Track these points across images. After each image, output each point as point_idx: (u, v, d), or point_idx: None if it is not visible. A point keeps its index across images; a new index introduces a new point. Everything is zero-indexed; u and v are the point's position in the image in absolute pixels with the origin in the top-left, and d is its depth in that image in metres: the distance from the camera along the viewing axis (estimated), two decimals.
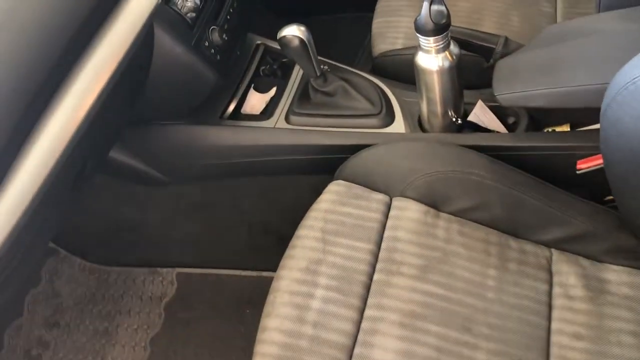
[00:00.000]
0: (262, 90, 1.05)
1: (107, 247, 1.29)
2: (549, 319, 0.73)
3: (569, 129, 0.89)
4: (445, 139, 0.90)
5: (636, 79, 0.62)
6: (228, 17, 0.97)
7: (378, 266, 0.77)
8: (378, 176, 0.86)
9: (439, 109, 0.89)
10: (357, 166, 0.89)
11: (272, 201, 1.08)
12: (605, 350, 0.69)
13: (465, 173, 0.82)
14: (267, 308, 0.76)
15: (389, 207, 0.83)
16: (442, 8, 0.78)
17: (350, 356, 0.70)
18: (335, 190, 0.86)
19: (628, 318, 0.72)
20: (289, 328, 0.72)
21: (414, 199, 0.82)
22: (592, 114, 0.84)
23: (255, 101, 1.04)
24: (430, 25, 0.78)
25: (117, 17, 0.70)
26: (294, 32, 0.89)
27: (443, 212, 0.82)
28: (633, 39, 0.76)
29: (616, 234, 0.78)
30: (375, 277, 0.76)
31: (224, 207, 1.11)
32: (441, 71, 0.83)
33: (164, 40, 0.84)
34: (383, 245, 0.79)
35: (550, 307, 0.75)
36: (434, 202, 0.82)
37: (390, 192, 0.84)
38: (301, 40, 0.89)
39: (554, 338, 0.72)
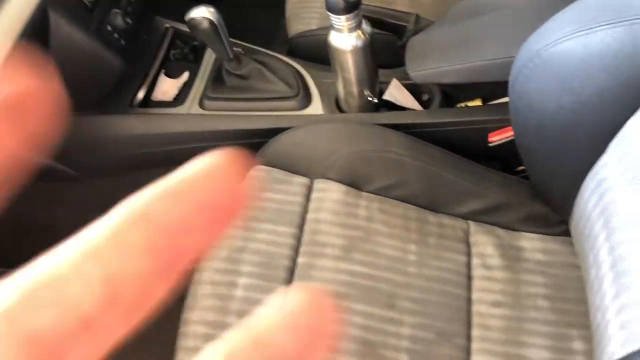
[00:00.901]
0: (173, 75, 1.01)
1: (15, 251, 1.20)
2: (469, 289, 0.75)
3: (480, 104, 0.91)
4: (363, 119, 0.90)
5: (540, 51, 0.64)
6: (131, 0, 0.92)
7: (302, 249, 0.76)
8: (298, 159, 0.85)
9: (355, 89, 0.88)
10: (276, 150, 0.87)
11: None
12: (523, 314, 0.72)
13: (384, 151, 0.83)
14: (189, 301, 0.73)
15: (310, 189, 0.82)
16: None
17: None
18: (255, 175, 0.84)
19: (542, 283, 0.75)
20: (213, 319, 0.70)
21: (334, 179, 0.82)
22: (502, 87, 0.86)
23: (167, 87, 1.00)
24: (341, 3, 0.77)
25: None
26: (202, 13, 0.85)
27: (364, 191, 0.82)
28: (539, 12, 0.79)
29: (529, 203, 0.81)
30: (300, 260, 0.75)
31: None
32: (355, 50, 0.82)
33: (61, 26, 0.78)
34: (306, 228, 0.78)
35: (469, 278, 0.76)
36: (354, 181, 0.82)
37: (311, 175, 0.83)
38: (210, 21, 0.85)
39: (475, 307, 0.73)
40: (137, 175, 1.02)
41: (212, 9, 0.86)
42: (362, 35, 0.82)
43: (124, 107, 0.93)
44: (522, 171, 0.87)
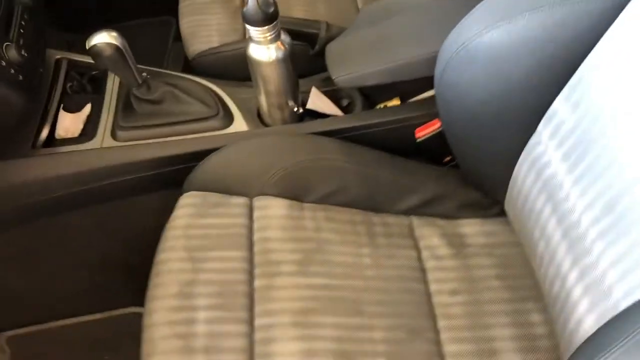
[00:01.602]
0: (74, 109, 0.93)
1: None
2: (426, 282, 0.77)
3: (399, 103, 0.94)
4: (291, 130, 0.89)
5: (465, 43, 0.67)
6: (21, 30, 0.83)
7: (256, 272, 0.73)
8: (232, 179, 0.81)
9: (278, 100, 0.87)
10: (206, 173, 0.83)
11: (112, 231, 0.96)
12: (480, 297, 0.75)
13: (320, 159, 0.82)
14: (146, 347, 0.67)
15: (251, 209, 0.79)
16: None
17: None
18: (189, 203, 0.80)
19: (490, 264, 0.78)
20: None
21: (274, 195, 0.80)
22: (418, 84, 0.89)
23: (69, 122, 0.91)
24: (260, 15, 0.75)
25: None
26: (105, 39, 0.79)
27: (307, 202, 0.80)
28: (446, 10, 0.83)
29: (462, 190, 0.85)
30: (256, 283, 0.72)
31: (54, 249, 0.96)
32: (276, 62, 0.81)
33: None
34: (255, 249, 0.75)
35: (423, 271, 0.78)
36: (295, 194, 0.80)
37: (249, 193, 0.80)
38: (116, 47, 0.80)
39: (435, 299, 0.75)
40: (47, 222, 0.92)
41: (114, 34, 0.80)
42: (282, 46, 0.81)
43: (26, 149, 0.84)
44: (450, 161, 0.91)
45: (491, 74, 0.67)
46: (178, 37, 1.18)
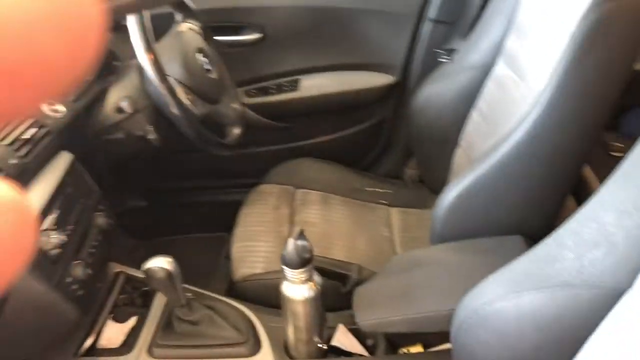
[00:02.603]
0: (121, 320, 1.01)
1: None
2: None
3: (422, 349, 0.97)
4: None
5: (477, 309, 0.72)
6: (92, 250, 0.96)
7: None
8: None
9: (305, 336, 0.92)
10: None
11: None
12: None
13: None
14: None
15: None
16: (305, 243, 0.86)
17: None
18: None
19: None
20: None
21: None
22: (440, 335, 0.93)
23: (113, 332, 0.99)
24: (296, 259, 0.84)
25: None
26: (160, 264, 0.90)
27: None
28: (468, 268, 0.90)
29: None
30: None
31: None
32: (307, 300, 0.88)
33: (23, 279, 0.79)
34: None
35: None
36: None
37: None
38: (167, 271, 0.90)
39: None
40: None
41: (169, 259, 0.90)
42: (314, 286, 0.88)
43: (68, 357, 0.91)
44: None
45: (501, 342, 0.71)
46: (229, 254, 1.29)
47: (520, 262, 0.73)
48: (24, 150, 0.84)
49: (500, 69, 1.15)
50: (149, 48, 0.96)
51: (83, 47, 0.15)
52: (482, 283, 0.75)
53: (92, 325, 0.96)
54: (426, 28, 1.43)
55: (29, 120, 0.89)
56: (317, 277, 0.90)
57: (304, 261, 0.85)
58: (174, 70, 1.08)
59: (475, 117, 1.22)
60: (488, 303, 0.71)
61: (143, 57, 0.97)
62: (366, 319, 0.89)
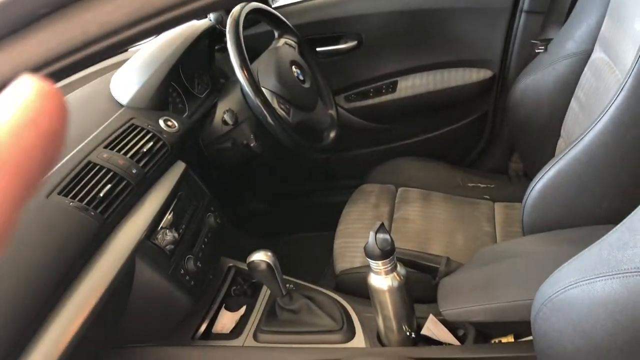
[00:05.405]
0: (232, 309, 1.13)
1: None
2: None
3: (513, 340, 0.97)
4: (402, 353, 0.97)
5: (552, 297, 0.73)
6: (203, 246, 1.09)
7: None
8: None
9: (393, 324, 0.97)
10: None
11: None
12: None
13: None
14: None
15: None
16: (387, 236, 0.91)
17: None
18: None
19: None
20: None
21: None
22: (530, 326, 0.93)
23: (226, 320, 1.11)
24: (377, 251, 0.90)
25: (104, 252, 0.81)
26: (261, 257, 1.00)
27: None
28: (551, 258, 0.89)
29: None
30: None
31: None
32: (391, 290, 0.93)
33: (144, 272, 0.94)
34: None
35: None
36: None
37: None
38: (268, 264, 1.00)
39: None
40: None
41: (269, 253, 1.00)
42: (397, 277, 0.93)
43: (186, 339, 1.04)
44: None
45: (575, 329, 0.71)
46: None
47: (592, 249, 0.72)
48: (143, 161, 0.99)
49: (597, 55, 1.11)
50: (244, 65, 1.08)
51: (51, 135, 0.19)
52: (556, 271, 0.75)
53: (206, 313, 1.09)
54: (521, 20, 1.40)
55: (148, 135, 1.04)
56: (400, 269, 0.95)
57: (385, 253, 0.91)
58: (269, 82, 1.19)
59: (574, 106, 1.19)
60: (561, 291, 0.72)
61: (239, 73, 1.09)
62: (448, 308, 0.92)
